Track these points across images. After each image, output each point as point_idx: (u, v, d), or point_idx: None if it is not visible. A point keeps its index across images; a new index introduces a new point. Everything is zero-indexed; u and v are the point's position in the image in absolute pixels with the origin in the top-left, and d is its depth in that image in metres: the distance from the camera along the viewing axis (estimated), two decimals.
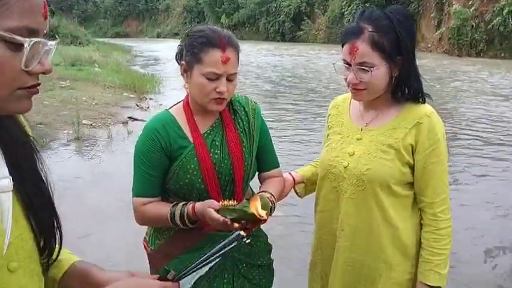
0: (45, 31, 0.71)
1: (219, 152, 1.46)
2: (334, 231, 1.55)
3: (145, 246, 1.61)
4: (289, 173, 1.71)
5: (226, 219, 1.27)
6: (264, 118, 1.61)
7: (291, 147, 6.20)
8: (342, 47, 1.44)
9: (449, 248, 1.45)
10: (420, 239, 1.49)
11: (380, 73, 1.39)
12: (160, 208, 1.45)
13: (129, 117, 7.73)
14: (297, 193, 1.73)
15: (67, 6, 52.23)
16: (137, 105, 8.97)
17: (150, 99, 9.90)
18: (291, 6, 34.73)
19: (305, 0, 34.10)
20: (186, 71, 1.42)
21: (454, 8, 21.72)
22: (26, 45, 0.66)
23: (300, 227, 3.54)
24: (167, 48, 21.25)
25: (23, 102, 0.72)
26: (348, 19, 27.83)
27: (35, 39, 0.67)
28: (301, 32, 34.23)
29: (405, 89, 1.45)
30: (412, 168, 1.45)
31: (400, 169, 1.44)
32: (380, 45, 1.36)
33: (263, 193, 1.48)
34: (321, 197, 1.61)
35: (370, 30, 1.37)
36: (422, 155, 1.43)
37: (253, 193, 1.61)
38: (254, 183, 1.61)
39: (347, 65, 1.43)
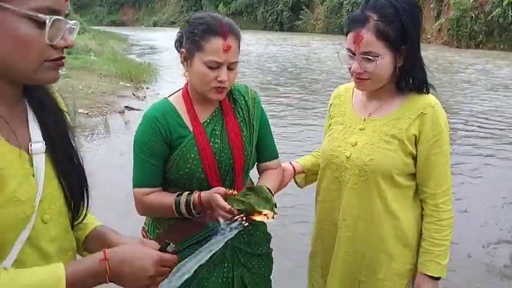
0: (66, 11, 0.84)
1: (219, 141, 1.45)
2: (335, 221, 1.55)
3: (143, 235, 1.60)
4: (290, 163, 1.69)
5: (233, 209, 1.27)
6: (265, 109, 1.60)
7: (293, 138, 6.17)
8: (347, 35, 1.42)
9: (450, 239, 1.46)
10: (421, 229, 1.49)
11: (384, 63, 1.37)
12: (163, 198, 1.43)
13: (126, 107, 7.68)
14: (297, 183, 1.72)
15: None
16: (134, 95, 8.91)
17: (147, 88, 9.84)
18: None
19: None
20: (186, 59, 1.40)
21: None
22: (47, 22, 0.78)
23: (299, 217, 3.55)
24: (164, 37, 21.10)
25: (50, 73, 0.85)
26: (347, 9, 27.70)
27: (56, 17, 0.79)
28: (300, 22, 34.05)
29: (410, 79, 1.43)
30: (415, 159, 1.45)
31: (403, 160, 1.43)
32: (385, 35, 1.34)
33: (262, 186, 1.44)
34: (323, 187, 1.60)
35: (375, 18, 1.35)
36: (425, 145, 1.42)
37: (252, 183, 1.59)
38: (253, 173, 1.60)
39: (351, 54, 1.41)
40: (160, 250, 0.97)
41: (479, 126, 6.94)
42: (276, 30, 35.17)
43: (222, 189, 1.34)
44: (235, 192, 1.35)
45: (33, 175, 0.87)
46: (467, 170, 5.05)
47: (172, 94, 1.52)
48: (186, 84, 1.50)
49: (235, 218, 1.27)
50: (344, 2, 28.57)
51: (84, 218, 1.02)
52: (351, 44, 1.39)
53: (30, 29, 0.78)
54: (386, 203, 1.45)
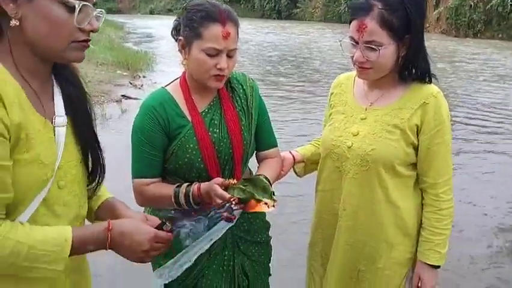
0: (94, 0, 0.96)
1: (217, 130, 1.44)
2: (335, 210, 1.54)
3: None
4: (289, 152, 1.69)
5: (232, 197, 1.28)
6: (265, 99, 1.59)
7: (293, 127, 6.14)
8: (350, 23, 1.40)
9: (450, 228, 1.47)
10: (421, 219, 1.49)
11: (387, 52, 1.36)
12: (163, 188, 1.42)
13: (123, 96, 7.63)
14: (296, 172, 1.71)
15: None
16: (131, 83, 8.84)
17: (144, 77, 9.76)
18: None
19: None
20: (184, 47, 1.38)
21: None
22: (76, 6, 0.90)
23: (298, 206, 3.55)
24: (160, 25, 20.90)
25: (77, 53, 0.96)
26: None
27: (84, 2, 0.91)
28: (298, 10, 33.77)
29: (412, 68, 1.42)
30: (416, 148, 1.44)
31: (404, 149, 1.43)
32: (389, 24, 1.33)
33: (259, 176, 1.44)
34: (323, 176, 1.59)
35: (380, 7, 1.33)
36: (427, 135, 1.41)
37: (251, 173, 1.59)
38: (252, 163, 1.59)
39: (353, 43, 1.39)
40: (157, 228, 1.06)
41: (483, 119, 6.88)
42: (274, 19, 34.88)
43: (220, 180, 1.34)
44: (235, 181, 1.35)
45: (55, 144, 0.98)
46: (471, 162, 5.01)
47: (170, 83, 1.50)
48: (184, 73, 1.48)
49: (232, 205, 1.28)
50: None
51: (99, 189, 1.14)
52: (355, 33, 1.37)
53: (62, 13, 0.90)
54: (386, 192, 1.45)
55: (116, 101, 7.36)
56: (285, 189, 3.13)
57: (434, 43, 16.08)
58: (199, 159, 1.41)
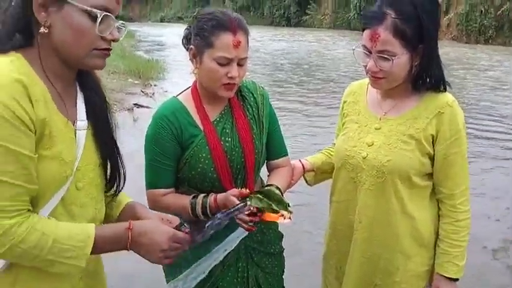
0: (117, 12, 1.01)
1: (229, 139, 1.44)
2: (351, 222, 1.53)
3: None
4: (299, 161, 1.67)
5: (250, 209, 1.27)
6: (277, 107, 1.58)
7: (305, 136, 6.11)
8: (363, 31, 1.38)
9: (467, 240, 1.44)
10: (437, 229, 1.47)
11: (401, 62, 1.34)
12: (178, 199, 1.43)
13: (134, 104, 7.68)
14: (306, 181, 1.70)
15: None
16: (142, 92, 8.90)
17: (155, 85, 9.82)
18: None
19: None
20: (195, 56, 1.39)
21: None
22: (98, 16, 0.96)
23: (309, 216, 3.53)
24: (171, 33, 21.05)
25: (98, 60, 1.02)
26: (354, 3, 27.44)
27: (105, 13, 0.97)
28: (307, 17, 33.83)
29: (426, 78, 1.40)
30: (432, 158, 1.43)
31: (420, 160, 1.41)
32: (402, 33, 1.31)
33: (271, 187, 1.44)
34: (338, 187, 1.58)
35: (393, 16, 1.31)
36: (443, 145, 1.39)
37: (262, 182, 1.59)
38: (262, 171, 1.59)
39: (366, 52, 1.38)
40: (175, 228, 1.09)
41: (507, 132, 6.60)
42: (283, 26, 34.98)
43: (236, 191, 1.34)
44: (248, 190, 1.35)
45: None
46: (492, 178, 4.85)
47: (181, 93, 1.51)
48: (195, 82, 1.49)
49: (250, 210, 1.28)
50: None
51: (118, 193, 1.19)
52: (367, 42, 1.36)
53: (85, 21, 0.96)
54: (402, 203, 1.43)
55: (128, 110, 7.41)
56: (296, 198, 3.12)
57: (448, 50, 15.87)
58: (212, 169, 1.41)
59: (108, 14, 0.98)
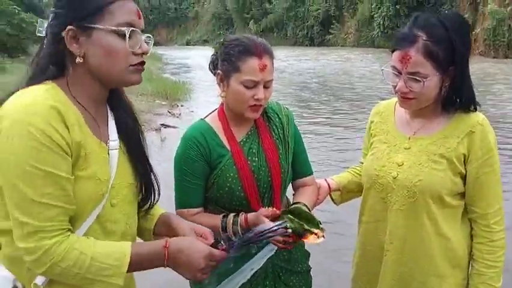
0: (141, 27, 1.05)
1: (256, 159, 1.47)
2: (381, 243, 1.50)
3: None
4: (325, 180, 1.67)
5: (284, 231, 1.26)
6: (305, 128, 1.59)
7: (335, 156, 6.04)
8: (392, 52, 1.39)
9: (503, 260, 1.40)
10: (470, 250, 1.44)
11: (431, 83, 1.34)
12: (209, 220, 1.44)
13: (162, 124, 7.86)
14: (333, 200, 1.69)
15: None
16: (169, 112, 9.11)
17: (181, 106, 10.04)
18: (319, 10, 34.60)
19: (334, 4, 33.89)
20: (223, 80, 1.43)
21: (489, 7, 21.04)
22: (126, 33, 1.01)
23: (333, 234, 3.50)
24: (196, 56, 21.55)
25: (135, 76, 1.06)
26: (378, 22, 27.45)
27: (132, 28, 1.02)
28: (330, 36, 34.01)
29: (457, 99, 1.39)
30: (463, 178, 1.40)
31: (452, 179, 1.39)
32: (434, 55, 1.30)
33: (298, 204, 1.44)
34: (367, 207, 1.56)
35: (424, 38, 1.31)
36: (474, 164, 1.38)
37: (288, 201, 1.61)
38: (288, 191, 1.60)
39: (396, 73, 1.38)
40: (212, 245, 1.11)
41: None
42: (306, 45, 35.24)
43: (267, 211, 1.35)
44: (278, 211, 1.36)
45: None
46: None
47: (208, 115, 1.55)
48: (221, 105, 1.52)
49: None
50: (375, 15, 28.35)
51: (152, 208, 1.23)
52: (398, 63, 1.35)
53: (116, 41, 1.01)
54: (436, 224, 1.41)
55: (156, 130, 7.59)
56: (319, 216, 3.09)
57: (477, 66, 15.44)
58: (239, 188, 1.43)
59: (134, 28, 1.03)
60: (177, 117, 8.75)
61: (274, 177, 1.47)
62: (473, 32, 22.20)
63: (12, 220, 0.95)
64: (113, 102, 1.15)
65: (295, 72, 16.47)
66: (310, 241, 1.27)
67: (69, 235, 0.97)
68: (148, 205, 1.22)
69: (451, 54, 1.31)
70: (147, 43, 1.08)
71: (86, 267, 0.96)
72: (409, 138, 1.47)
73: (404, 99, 1.39)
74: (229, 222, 1.40)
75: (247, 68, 1.37)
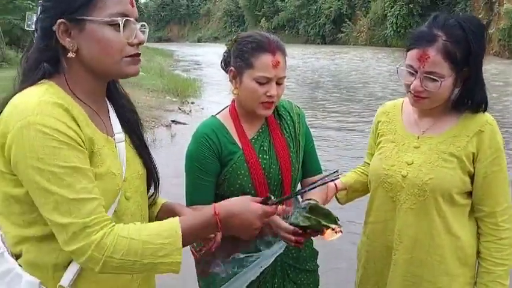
0: (135, 15, 1.01)
1: (267, 157, 1.47)
2: (389, 243, 1.50)
3: (192, 252, 1.62)
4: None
5: (297, 229, 1.28)
6: (317, 128, 1.59)
7: (350, 156, 6.00)
8: (408, 51, 1.39)
9: (511, 258, 1.40)
10: (477, 248, 1.45)
11: (446, 84, 1.34)
12: None
13: (172, 121, 7.92)
14: (338, 200, 1.70)
15: None
16: (180, 109, 9.17)
17: (192, 103, 10.10)
18: (331, 9, 34.43)
19: (346, 2, 33.70)
20: (235, 76, 1.43)
21: (504, 7, 20.73)
22: (120, 22, 0.97)
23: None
24: (207, 53, 21.62)
25: (131, 67, 1.03)
26: (391, 21, 27.24)
27: (126, 18, 0.98)
28: (342, 35, 33.84)
29: (468, 100, 1.40)
30: (471, 177, 1.41)
31: (461, 178, 1.40)
32: (452, 56, 1.31)
33: (310, 201, 1.44)
34: (375, 207, 1.56)
35: (444, 39, 1.31)
36: (483, 163, 1.38)
37: (297, 200, 1.60)
38: None
39: (412, 71, 1.37)
40: (262, 202, 1.09)
41: None
42: (318, 44, 35.11)
43: (279, 209, 1.32)
44: (286, 207, 1.34)
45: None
46: None
47: (219, 112, 1.55)
48: (233, 102, 1.52)
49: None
50: (388, 14, 28.13)
51: (157, 197, 1.23)
52: (415, 61, 1.35)
53: (110, 32, 0.98)
54: (446, 222, 1.41)
55: (166, 126, 7.65)
56: None
57: (500, 66, 14.98)
58: (250, 185, 1.44)
59: (128, 18, 0.99)
60: (187, 113, 8.80)
61: (284, 175, 1.47)
62: (488, 32, 21.92)
63: (53, 226, 0.93)
64: (110, 94, 1.13)
65: (308, 71, 16.40)
66: (328, 237, 1.26)
67: (114, 225, 0.95)
68: (153, 195, 1.21)
69: (467, 55, 1.32)
70: (142, 32, 1.04)
71: (140, 253, 0.93)
72: (418, 138, 1.47)
73: (417, 98, 1.39)
74: None
75: (261, 64, 1.37)
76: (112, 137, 1.06)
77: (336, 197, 1.69)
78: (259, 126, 1.50)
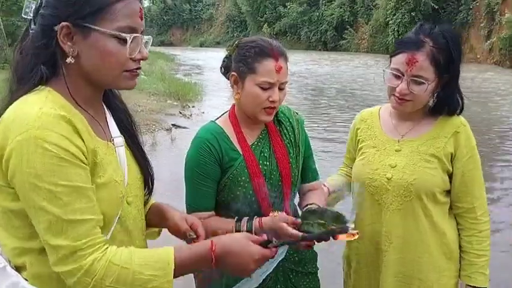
0: (142, 28, 0.99)
1: (268, 163, 1.47)
2: (378, 245, 1.56)
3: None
4: (324, 185, 1.69)
5: (305, 235, 1.28)
6: (320, 135, 1.61)
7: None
8: (395, 56, 1.47)
9: (489, 249, 1.50)
10: (459, 242, 1.53)
11: (430, 88, 1.43)
12: (222, 223, 1.42)
13: (173, 125, 7.93)
14: (327, 203, 1.70)
15: None
16: (181, 113, 9.19)
17: (192, 107, 10.10)
18: (334, 15, 34.49)
19: (348, 9, 33.77)
20: (237, 81, 1.43)
21: (506, 17, 20.77)
22: (128, 39, 0.95)
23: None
24: (209, 58, 21.64)
25: (129, 81, 1.01)
26: (392, 28, 27.31)
27: (135, 35, 0.96)
28: (344, 41, 33.90)
29: (445, 105, 1.49)
30: (450, 176, 1.50)
31: (442, 177, 1.48)
32: (437, 61, 1.40)
33: (312, 205, 1.45)
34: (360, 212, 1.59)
35: (431, 45, 1.40)
36: (461, 162, 1.48)
37: (294, 205, 1.61)
38: None
39: (399, 74, 1.45)
40: (262, 244, 1.06)
41: None
42: (320, 50, 35.16)
43: (288, 218, 1.33)
44: (285, 214, 1.36)
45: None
46: None
47: (219, 117, 1.54)
48: (232, 107, 1.52)
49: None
50: (390, 22, 28.20)
51: (149, 198, 1.21)
52: (402, 65, 1.43)
53: (114, 45, 0.95)
54: (431, 220, 1.49)
55: (167, 130, 7.66)
56: None
57: (492, 75, 15.10)
58: (251, 192, 1.43)
59: (136, 34, 0.96)
60: (188, 118, 8.81)
61: (284, 181, 1.48)
62: (489, 41, 21.98)
63: (45, 245, 0.90)
64: (105, 96, 1.10)
65: (311, 77, 16.38)
66: (343, 238, 1.25)
67: (106, 249, 0.92)
68: (146, 197, 1.19)
69: (448, 62, 1.41)
70: (146, 45, 1.01)
71: (130, 282, 0.91)
72: (398, 141, 1.55)
73: (402, 100, 1.46)
74: (243, 226, 1.39)
75: (264, 69, 1.37)
76: (111, 141, 1.04)
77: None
78: (259, 132, 1.51)
